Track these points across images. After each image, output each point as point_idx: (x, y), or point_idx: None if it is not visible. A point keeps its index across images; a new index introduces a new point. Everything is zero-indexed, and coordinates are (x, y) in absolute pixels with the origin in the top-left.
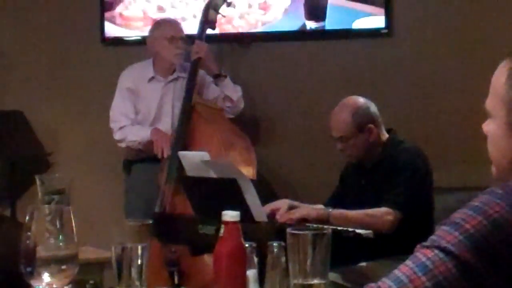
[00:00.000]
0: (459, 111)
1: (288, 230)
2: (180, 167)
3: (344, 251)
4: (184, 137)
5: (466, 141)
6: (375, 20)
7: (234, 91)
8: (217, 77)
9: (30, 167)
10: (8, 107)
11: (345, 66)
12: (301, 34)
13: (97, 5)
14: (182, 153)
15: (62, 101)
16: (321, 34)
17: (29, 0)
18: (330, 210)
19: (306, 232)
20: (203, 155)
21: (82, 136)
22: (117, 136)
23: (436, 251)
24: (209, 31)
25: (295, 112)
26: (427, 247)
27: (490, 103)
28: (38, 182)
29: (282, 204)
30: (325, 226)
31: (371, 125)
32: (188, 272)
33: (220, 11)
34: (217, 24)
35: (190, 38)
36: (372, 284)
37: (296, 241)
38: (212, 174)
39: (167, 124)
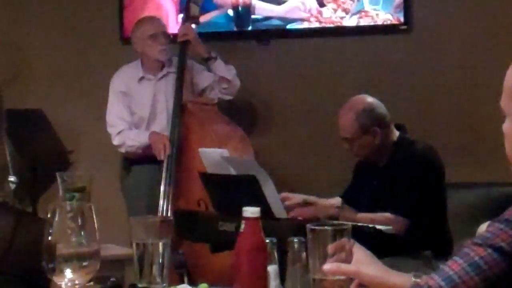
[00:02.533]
0: (479, 108)
1: (308, 225)
2: (177, 167)
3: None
4: (178, 137)
5: (483, 137)
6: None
7: (227, 70)
8: (208, 60)
9: (51, 165)
10: (28, 106)
11: (364, 63)
12: (320, 31)
13: (116, 4)
14: (202, 150)
15: (82, 100)
16: (340, 31)
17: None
18: (340, 211)
19: (327, 227)
20: (223, 152)
21: (102, 134)
22: (115, 141)
23: (490, 250)
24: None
25: (312, 108)
26: (480, 245)
27: (503, 102)
28: (59, 179)
29: (296, 197)
30: (345, 222)
31: (375, 128)
32: (197, 271)
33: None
34: None
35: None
36: (422, 283)
37: (316, 236)
38: (232, 171)
39: (163, 122)
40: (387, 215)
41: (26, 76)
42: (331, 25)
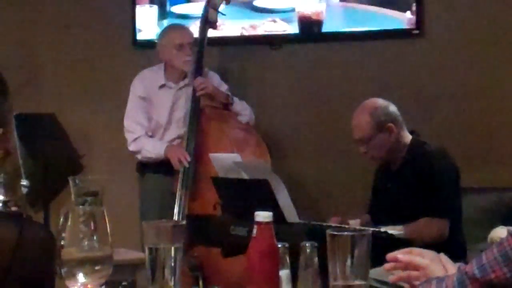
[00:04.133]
0: (491, 113)
1: (328, 231)
2: (194, 172)
3: (375, 252)
4: (195, 141)
5: (496, 142)
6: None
7: (243, 110)
8: (225, 106)
9: (63, 170)
10: (41, 110)
11: (376, 67)
12: (332, 36)
13: (129, 8)
14: (213, 155)
15: (94, 104)
16: (352, 36)
17: (61, 2)
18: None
19: (346, 233)
20: (234, 156)
21: (114, 138)
22: (131, 147)
23: None
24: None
25: (324, 112)
26: None
27: None
28: (71, 184)
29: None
30: (364, 228)
31: (390, 124)
32: (212, 275)
33: (220, 10)
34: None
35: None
36: (463, 268)
37: (336, 242)
38: (244, 176)
39: (179, 130)
40: (428, 219)
41: (38, 80)
42: (343, 31)
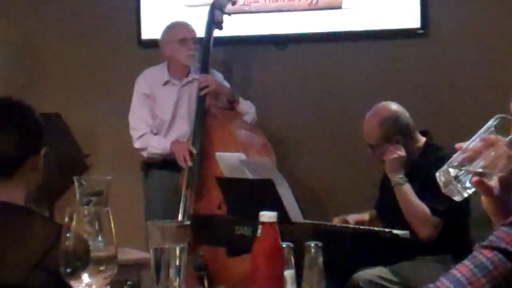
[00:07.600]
0: (497, 111)
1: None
2: (199, 171)
3: (380, 251)
4: (201, 140)
5: None
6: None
7: (248, 109)
8: (231, 103)
9: (68, 169)
10: (46, 110)
11: (381, 67)
12: (337, 36)
13: (134, 7)
14: (219, 154)
15: (99, 104)
16: (356, 35)
17: (67, 2)
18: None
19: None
20: (240, 155)
21: (120, 138)
22: (136, 144)
23: (495, 252)
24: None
25: (328, 113)
26: (486, 247)
27: None
28: (76, 183)
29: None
30: (363, 227)
31: (398, 136)
32: (217, 274)
33: (226, 10)
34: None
35: (201, 41)
36: (431, 285)
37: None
38: (248, 175)
39: (183, 127)
40: (427, 210)
41: (43, 80)
42: (349, 30)
